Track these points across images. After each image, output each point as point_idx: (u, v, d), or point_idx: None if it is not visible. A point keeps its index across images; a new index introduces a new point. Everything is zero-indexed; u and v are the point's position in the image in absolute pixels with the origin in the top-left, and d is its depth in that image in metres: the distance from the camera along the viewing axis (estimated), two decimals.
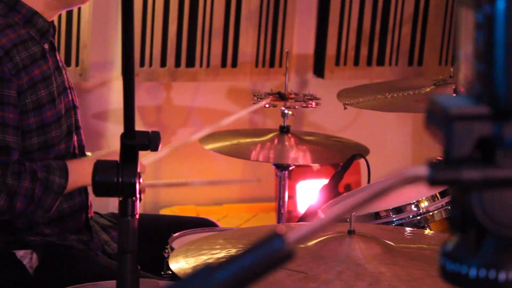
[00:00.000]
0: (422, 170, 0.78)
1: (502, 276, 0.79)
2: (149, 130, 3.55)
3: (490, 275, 0.79)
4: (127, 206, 1.64)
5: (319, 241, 1.88)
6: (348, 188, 3.72)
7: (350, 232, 1.89)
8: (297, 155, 2.79)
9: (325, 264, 1.79)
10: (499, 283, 0.79)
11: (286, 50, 2.96)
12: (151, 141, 1.66)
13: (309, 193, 3.66)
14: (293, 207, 3.70)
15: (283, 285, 1.74)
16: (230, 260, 0.79)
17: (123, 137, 1.63)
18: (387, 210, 2.35)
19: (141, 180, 1.66)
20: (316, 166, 3.73)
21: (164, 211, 3.78)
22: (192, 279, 0.79)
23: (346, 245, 1.86)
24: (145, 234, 2.72)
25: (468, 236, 0.81)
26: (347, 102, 2.71)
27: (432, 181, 0.78)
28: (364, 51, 3.88)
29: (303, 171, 3.76)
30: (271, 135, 2.86)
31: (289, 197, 3.65)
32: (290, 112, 2.87)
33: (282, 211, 2.88)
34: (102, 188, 1.64)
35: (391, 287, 1.71)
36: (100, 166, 1.64)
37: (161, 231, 2.67)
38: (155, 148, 1.66)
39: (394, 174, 0.80)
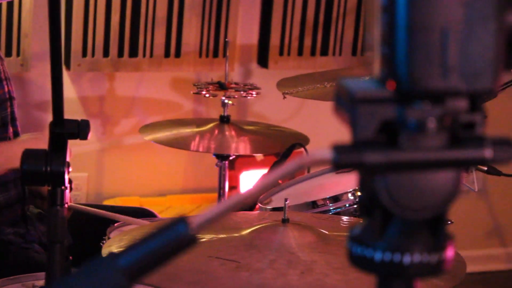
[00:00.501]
0: (327, 153, 0.78)
1: (406, 259, 0.79)
2: (92, 120, 3.53)
3: (395, 258, 0.80)
4: (56, 195, 1.63)
5: (252, 230, 1.88)
6: (292, 178, 3.72)
7: (284, 221, 1.89)
8: (238, 145, 2.78)
9: (258, 253, 1.79)
10: (403, 266, 0.80)
11: (226, 39, 2.95)
12: (81, 129, 1.65)
13: (252, 183, 3.66)
14: None
15: (215, 274, 1.73)
16: (134, 246, 0.78)
17: (52, 125, 1.61)
18: (324, 199, 2.35)
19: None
20: (259, 156, 3.73)
21: (108, 202, 3.75)
22: (94, 266, 0.78)
23: (280, 234, 1.86)
24: (87, 225, 2.71)
25: (374, 220, 0.81)
26: (286, 92, 2.71)
27: (336, 164, 0.78)
28: (308, 42, 3.88)
29: (247, 161, 3.75)
30: (211, 124, 2.85)
31: (233, 187, 3.65)
32: (230, 102, 2.86)
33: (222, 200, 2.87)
34: (30, 177, 1.62)
35: (323, 275, 1.71)
36: (28, 155, 1.62)
37: (102, 222, 2.65)
38: (84, 137, 1.64)
39: (300, 157, 0.80)
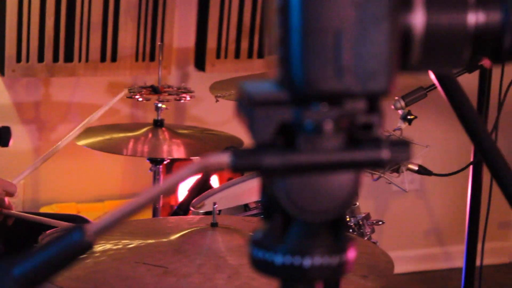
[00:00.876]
0: (224, 157, 0.77)
1: (307, 262, 0.79)
2: (28, 126, 3.48)
3: (295, 262, 0.79)
4: None
5: (181, 235, 1.87)
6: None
7: (213, 225, 1.88)
8: (171, 149, 2.77)
9: (186, 258, 1.78)
10: (304, 269, 0.79)
11: (160, 43, 2.93)
12: (1, 137, 1.63)
13: (187, 187, 3.63)
14: (175, 201, 3.67)
15: (142, 280, 1.72)
16: (28, 255, 0.76)
17: None
18: (256, 202, 2.35)
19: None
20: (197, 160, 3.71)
21: (44, 209, 3.71)
22: None
23: (209, 238, 1.85)
24: (21, 233, 2.67)
25: (275, 223, 0.81)
26: (218, 95, 2.70)
27: (234, 168, 0.77)
28: (244, 44, 3.88)
29: (184, 166, 3.73)
30: (145, 129, 2.83)
31: None
32: (164, 106, 2.84)
33: (156, 206, 2.86)
34: None
35: (249, 278, 1.70)
36: None
37: (36, 229, 2.62)
38: (5, 144, 1.63)
39: (198, 161, 0.79)
